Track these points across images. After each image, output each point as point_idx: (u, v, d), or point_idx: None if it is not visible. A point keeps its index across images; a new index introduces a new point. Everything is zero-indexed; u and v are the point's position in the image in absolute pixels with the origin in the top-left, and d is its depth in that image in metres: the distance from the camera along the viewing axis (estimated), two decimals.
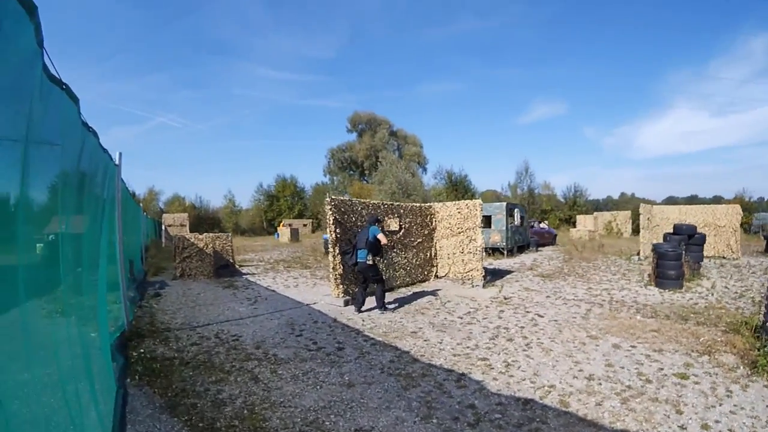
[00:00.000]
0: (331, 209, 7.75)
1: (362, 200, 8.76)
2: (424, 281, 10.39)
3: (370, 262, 7.10)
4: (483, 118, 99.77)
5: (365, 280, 7.32)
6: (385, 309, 7.31)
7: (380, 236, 7.02)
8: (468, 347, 5.44)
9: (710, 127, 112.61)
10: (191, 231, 24.00)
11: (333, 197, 7.89)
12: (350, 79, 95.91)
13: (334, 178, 48.56)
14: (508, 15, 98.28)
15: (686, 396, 4.04)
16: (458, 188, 33.35)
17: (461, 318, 7.00)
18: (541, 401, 3.92)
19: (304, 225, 35.08)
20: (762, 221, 24.15)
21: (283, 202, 41.36)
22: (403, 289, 9.50)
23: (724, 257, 14.50)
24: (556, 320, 6.86)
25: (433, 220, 10.90)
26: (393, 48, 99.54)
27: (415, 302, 8.17)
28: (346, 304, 7.79)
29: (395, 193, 30.28)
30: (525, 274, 12.04)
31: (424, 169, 48.44)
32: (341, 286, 7.96)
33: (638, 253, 15.35)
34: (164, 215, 26.40)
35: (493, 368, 4.70)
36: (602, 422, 3.52)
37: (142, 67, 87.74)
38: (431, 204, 11.04)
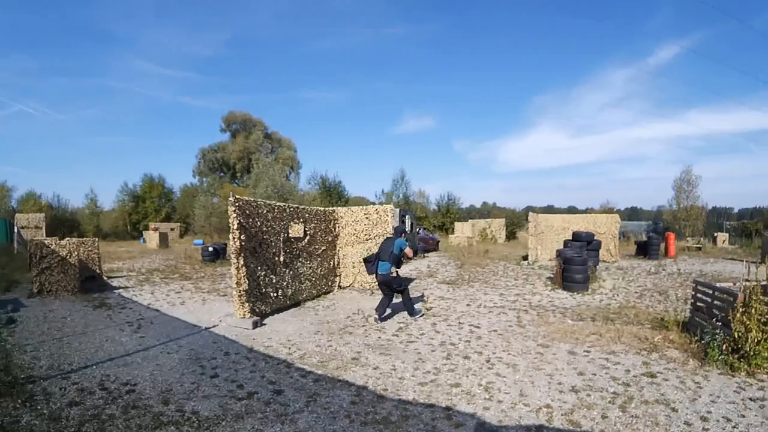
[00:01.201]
0: (235, 212, 7.21)
1: (267, 202, 8.41)
2: (329, 293, 10.40)
3: (394, 275, 7.63)
4: (357, 127, 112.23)
5: (390, 291, 7.74)
6: (416, 314, 7.87)
7: (407, 250, 7.71)
8: (429, 372, 5.10)
9: (569, 145, 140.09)
10: (48, 235, 22.66)
11: (238, 197, 7.39)
12: (229, 80, 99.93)
13: (204, 179, 49.62)
14: (392, 30, 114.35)
15: (668, 393, 4.49)
16: (332, 194, 34.80)
17: (397, 336, 6.76)
18: (551, 425, 3.80)
19: (172, 229, 35.41)
20: (623, 229, 30.24)
21: (149, 204, 41.54)
22: (310, 303, 9.33)
23: (605, 261, 17.44)
24: (495, 330, 7.06)
25: (336, 225, 10.65)
26: (275, 52, 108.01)
27: (333, 319, 7.95)
28: (256, 325, 7.21)
29: (270, 197, 31.01)
30: (428, 282, 12.43)
31: (297, 174, 52.03)
32: (247, 305, 7.38)
33: (526, 258, 17.26)
34: (17, 215, 24.80)
35: (474, 395, 4.43)
36: None
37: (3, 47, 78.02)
38: (335, 208, 10.87)
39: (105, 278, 12.02)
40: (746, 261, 6.38)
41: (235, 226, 7.22)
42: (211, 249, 16.53)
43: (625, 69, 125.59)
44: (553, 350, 5.94)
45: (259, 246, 7.88)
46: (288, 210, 8.85)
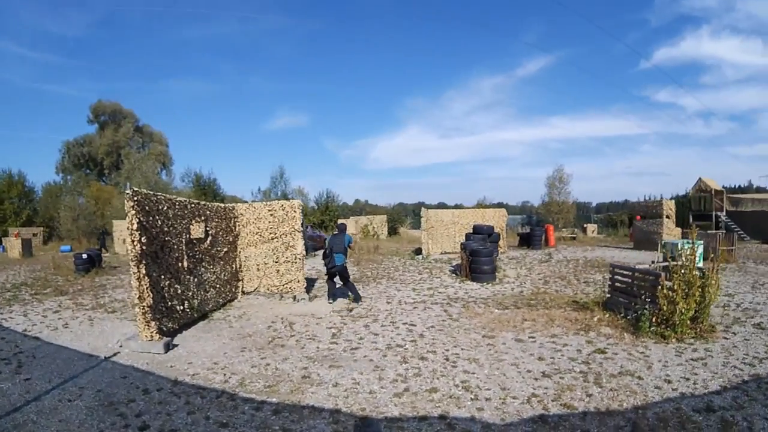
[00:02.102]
0: (134, 207, 6.53)
1: (167, 196, 7.73)
2: (233, 300, 9.92)
3: (346, 264, 9.60)
4: (230, 121, 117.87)
5: (335, 278, 9.63)
6: (359, 300, 9.39)
7: (353, 242, 10.49)
8: (396, 381, 5.03)
9: (438, 146, 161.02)
10: None
11: (136, 190, 6.73)
12: (96, 65, 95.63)
13: (69, 177, 48.06)
14: (267, 25, 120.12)
15: (626, 365, 5.26)
16: (207, 192, 33.64)
17: (336, 343, 6.57)
18: (550, 412, 4.09)
19: (35, 234, 32.22)
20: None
21: (8, 206, 37.89)
22: (218, 314, 8.73)
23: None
24: (432, 326, 7.32)
25: (237, 224, 9.98)
26: (145, 38, 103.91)
27: (253, 331, 7.51)
28: (168, 348, 6.52)
29: None
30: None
31: (170, 171, 51.79)
32: (153, 323, 6.64)
33: (419, 252, 18.16)
34: None
35: (458, 398, 4.52)
36: (620, 407, 4.16)
37: None
38: (234, 205, 10.28)
39: None
40: (661, 250, 7.59)
41: (135, 226, 6.51)
42: (85, 256, 15.39)
43: (494, 77, 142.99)
44: (500, 340, 6.38)
45: (160, 250, 7.16)
46: (189, 206, 8.14)
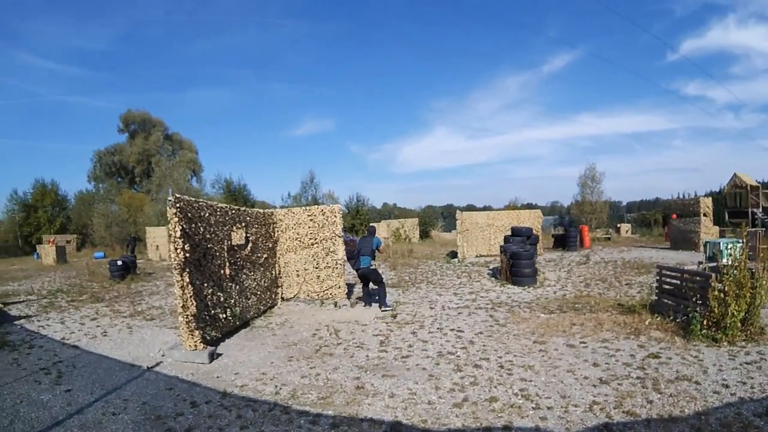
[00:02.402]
0: (176, 215, 6.52)
1: (209, 203, 7.79)
2: (273, 307, 10.06)
3: (374, 267, 9.74)
4: (256, 129, 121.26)
5: (368, 282, 9.80)
6: (387, 306, 9.39)
7: (382, 246, 10.23)
8: (453, 390, 5.09)
9: (465, 147, 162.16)
10: None
11: (179, 196, 6.74)
12: (123, 78, 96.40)
13: (101, 185, 50.09)
14: (288, 31, 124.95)
15: (681, 370, 5.27)
16: (237, 198, 34.72)
17: (385, 351, 6.65)
18: (614, 420, 4.15)
19: (68, 241, 33.60)
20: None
21: (42, 214, 39.96)
22: (259, 322, 8.83)
23: None
24: (480, 332, 7.41)
25: (276, 230, 10.22)
26: (169, 50, 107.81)
27: (297, 339, 7.57)
28: (213, 358, 6.51)
29: None
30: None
31: (200, 178, 52.80)
32: (197, 332, 6.64)
33: (454, 255, 18.23)
34: None
35: (520, 407, 4.57)
36: (681, 414, 4.20)
37: None
38: (272, 210, 10.53)
39: (0, 306, 10.69)
40: (701, 251, 7.53)
41: (178, 234, 6.49)
42: (120, 263, 15.76)
43: (519, 75, 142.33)
44: (552, 345, 6.44)
45: (203, 257, 7.23)
46: (230, 213, 8.29)
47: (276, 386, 5.38)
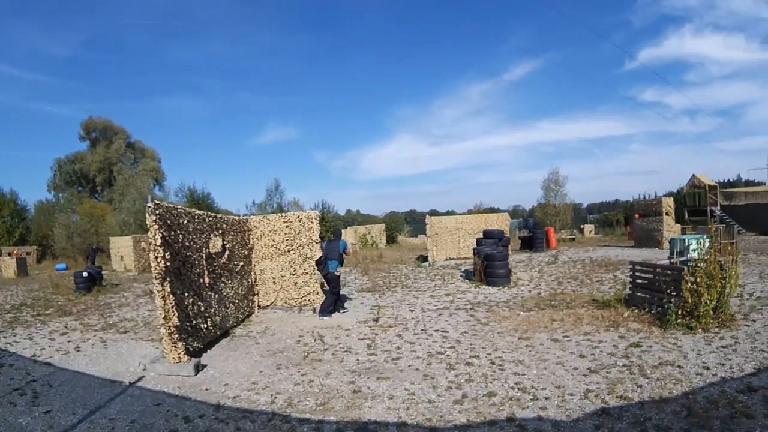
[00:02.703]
0: (156, 222, 6.31)
1: (187, 209, 7.65)
2: (250, 315, 9.90)
3: (338, 274, 9.46)
4: (220, 137, 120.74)
5: (330, 289, 9.44)
6: (326, 315, 9.18)
7: (348, 248, 10.11)
8: (450, 388, 5.15)
9: (428, 154, 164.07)
10: None
11: (158, 203, 6.52)
12: (86, 85, 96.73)
13: (61, 194, 48.30)
14: (256, 40, 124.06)
15: (663, 356, 5.57)
16: (201, 207, 33.86)
17: (374, 354, 6.66)
18: (610, 405, 4.35)
19: (28, 253, 32.37)
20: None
21: (0, 225, 38.20)
22: (239, 331, 8.64)
23: None
24: (465, 332, 7.53)
25: (251, 237, 10.04)
26: (134, 57, 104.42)
27: (282, 346, 7.45)
28: (198, 369, 6.29)
29: (139, 211, 31.51)
30: (347, 291, 12.46)
31: (162, 187, 51.47)
32: (180, 344, 6.40)
33: (425, 259, 18.46)
34: None
35: (518, 399, 4.69)
36: (670, 395, 4.46)
37: None
38: (247, 217, 10.32)
39: None
40: (664, 248, 7.96)
41: (158, 242, 6.29)
42: (85, 274, 15.13)
43: (482, 83, 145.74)
44: (537, 341, 6.63)
45: (183, 266, 7.03)
46: (208, 220, 8.12)
47: (270, 395, 5.25)
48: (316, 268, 9.81)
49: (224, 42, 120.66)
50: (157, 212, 6.35)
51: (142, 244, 22.15)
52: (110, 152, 50.74)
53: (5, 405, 5.37)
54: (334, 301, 9.43)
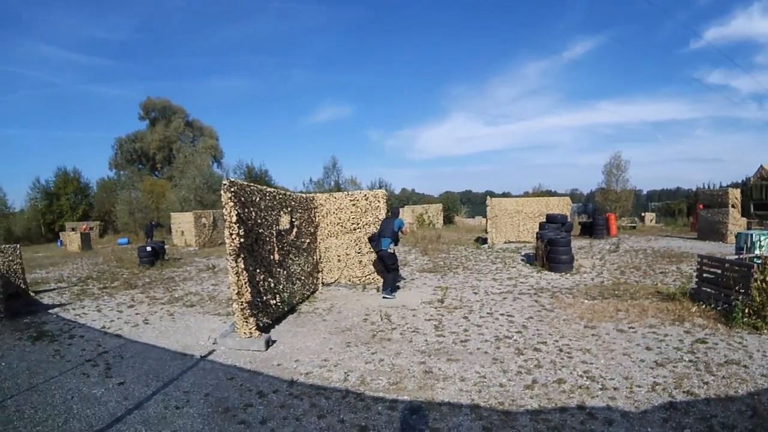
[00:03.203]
0: (231, 199, 6.52)
1: (259, 187, 7.82)
2: (315, 292, 10.35)
3: (392, 251, 9.43)
4: (276, 116, 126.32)
5: (386, 267, 9.52)
6: (392, 292, 9.47)
7: (405, 227, 9.77)
8: (520, 373, 5.43)
9: (483, 133, 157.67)
10: None
11: (233, 180, 6.71)
12: (142, 67, 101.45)
13: (122, 172, 50.85)
14: (306, 18, 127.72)
15: (729, 354, 5.73)
16: (260, 184, 35.12)
17: (442, 335, 6.99)
18: (677, 399, 4.63)
19: (91, 228, 34.89)
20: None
21: (64, 202, 41.31)
22: (305, 307, 9.04)
23: None
24: (531, 317, 7.88)
25: (317, 214, 10.59)
26: (188, 38, 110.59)
27: (350, 324, 7.76)
28: (268, 345, 6.60)
29: (199, 188, 33.19)
30: (407, 271, 13.14)
31: (221, 164, 53.89)
32: (251, 319, 6.68)
33: (484, 241, 18.73)
34: None
35: (587, 388, 5.04)
36: (735, 394, 4.64)
37: None
38: (313, 195, 10.79)
39: (32, 294, 10.92)
40: (728, 242, 7.90)
41: (233, 219, 6.45)
42: (149, 249, 16.09)
43: (540, 61, 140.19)
44: (603, 330, 6.91)
45: (255, 243, 7.28)
46: (278, 197, 8.42)
47: (343, 373, 5.42)
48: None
49: (279, 20, 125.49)
50: (233, 189, 6.52)
51: (203, 219, 23.28)
52: (169, 131, 53.04)
53: (78, 376, 5.59)
54: (393, 279, 9.63)
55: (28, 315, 9.09)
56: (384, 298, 9.34)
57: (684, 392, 4.74)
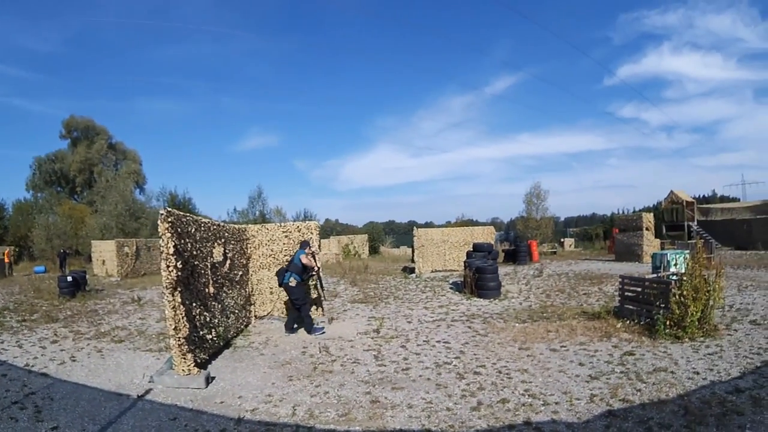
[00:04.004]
0: (168, 230, 6.27)
1: (194, 217, 7.72)
2: (248, 325, 10.10)
3: (293, 284, 8.89)
4: (201, 142, 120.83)
5: (292, 303, 9.11)
6: (314, 332, 8.91)
7: (302, 258, 9.07)
8: (465, 396, 5.49)
9: (408, 165, 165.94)
10: None
11: (170, 210, 6.54)
12: (68, 82, 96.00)
13: (39, 195, 49.37)
14: (240, 44, 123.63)
15: (656, 363, 6.16)
16: (183, 212, 33.54)
17: (383, 365, 6.93)
18: (615, 407, 4.84)
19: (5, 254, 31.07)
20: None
21: None
22: (240, 342, 8.77)
23: None
24: (466, 343, 8.00)
25: (249, 246, 10.32)
26: (119, 56, 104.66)
27: (288, 358, 7.60)
28: (209, 382, 6.29)
29: (121, 215, 32.38)
30: (339, 302, 12.93)
31: (142, 190, 52.36)
32: (189, 355, 6.37)
33: (411, 271, 19.00)
34: None
35: (530, 405, 5.11)
36: (667, 397, 4.94)
37: None
38: (245, 226, 10.60)
39: None
40: (644, 263, 8.64)
41: (171, 250, 6.21)
42: (70, 279, 15.25)
43: (464, 95, 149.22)
44: (537, 350, 7.14)
45: (191, 275, 7.05)
46: (212, 228, 8.27)
47: (290, 407, 5.31)
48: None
49: (208, 44, 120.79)
50: (170, 220, 6.32)
51: (125, 248, 22.18)
52: (91, 152, 50.82)
53: (6, 420, 5.11)
54: (294, 318, 9.19)
55: None
56: (316, 336, 8.88)
57: (620, 400, 4.98)
